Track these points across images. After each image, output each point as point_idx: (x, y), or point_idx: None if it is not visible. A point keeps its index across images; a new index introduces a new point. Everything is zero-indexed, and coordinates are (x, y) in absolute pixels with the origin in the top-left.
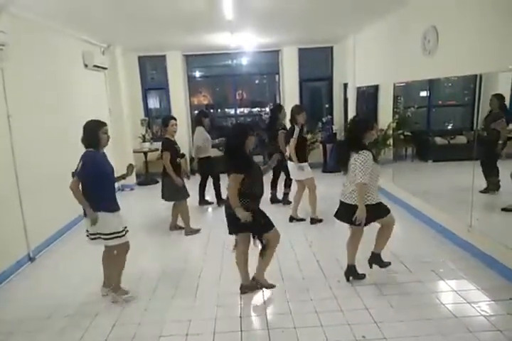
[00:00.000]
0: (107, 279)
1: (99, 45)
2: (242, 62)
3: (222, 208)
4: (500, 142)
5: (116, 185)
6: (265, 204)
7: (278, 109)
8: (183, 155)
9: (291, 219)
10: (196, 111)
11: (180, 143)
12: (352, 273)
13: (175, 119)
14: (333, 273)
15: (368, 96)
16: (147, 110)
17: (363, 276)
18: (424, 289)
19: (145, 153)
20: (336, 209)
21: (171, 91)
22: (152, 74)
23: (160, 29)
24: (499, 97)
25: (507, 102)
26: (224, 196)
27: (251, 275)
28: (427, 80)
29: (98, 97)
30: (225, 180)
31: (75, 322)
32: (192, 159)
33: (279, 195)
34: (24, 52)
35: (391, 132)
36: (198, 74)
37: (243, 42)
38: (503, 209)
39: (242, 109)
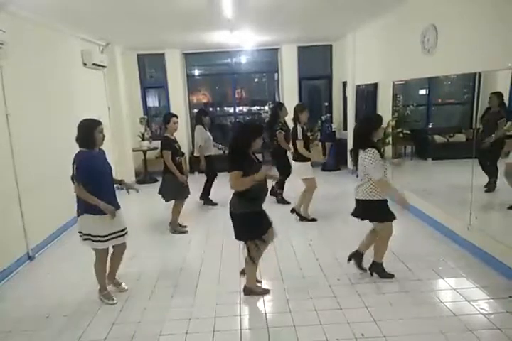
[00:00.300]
0: (113, 272)
1: (98, 44)
2: (242, 61)
3: (226, 210)
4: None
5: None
6: (267, 205)
7: (279, 106)
8: (182, 154)
9: (293, 210)
10: (195, 110)
11: (179, 142)
12: (377, 270)
13: (176, 117)
14: (333, 271)
15: (367, 95)
16: (146, 108)
17: (391, 276)
18: (423, 287)
19: (144, 152)
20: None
21: (170, 89)
22: (151, 72)
23: (159, 27)
24: (499, 95)
25: (506, 100)
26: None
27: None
28: (426, 78)
29: (97, 96)
30: (222, 179)
31: (74, 321)
32: (191, 158)
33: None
34: (23, 50)
35: (390, 130)
36: (197, 72)
37: (242, 41)
38: (510, 208)
39: (241, 108)
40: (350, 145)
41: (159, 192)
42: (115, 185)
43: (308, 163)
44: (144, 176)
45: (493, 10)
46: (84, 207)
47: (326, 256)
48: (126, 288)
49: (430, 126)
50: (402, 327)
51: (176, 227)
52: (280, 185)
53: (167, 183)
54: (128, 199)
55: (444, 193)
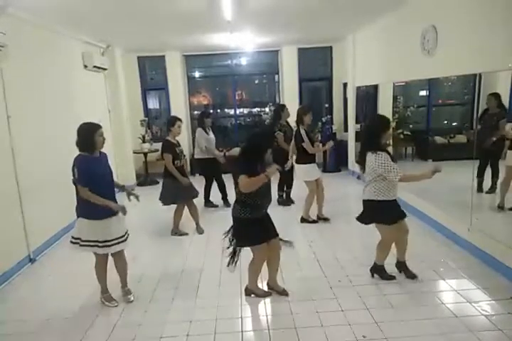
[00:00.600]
0: (122, 279)
1: (98, 46)
2: (242, 62)
3: (227, 211)
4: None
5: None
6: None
7: (281, 108)
8: (184, 156)
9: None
10: (196, 112)
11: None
12: (378, 272)
13: (181, 121)
14: (334, 273)
15: (368, 96)
16: (147, 111)
17: (392, 277)
18: (424, 288)
19: (145, 154)
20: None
21: (170, 91)
22: (152, 74)
23: (159, 29)
24: (496, 96)
25: (506, 101)
26: (229, 196)
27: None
28: (427, 79)
29: (98, 98)
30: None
31: (75, 323)
32: (191, 160)
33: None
34: (23, 53)
35: (391, 131)
36: (197, 74)
37: (242, 42)
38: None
39: (241, 109)
40: (350, 147)
41: (159, 198)
42: (116, 189)
43: (311, 164)
44: (144, 178)
45: (492, 11)
46: (85, 212)
47: (326, 258)
48: (131, 299)
49: (430, 127)
50: (404, 328)
51: (177, 229)
52: (288, 185)
53: (167, 187)
54: (129, 201)
55: (445, 194)
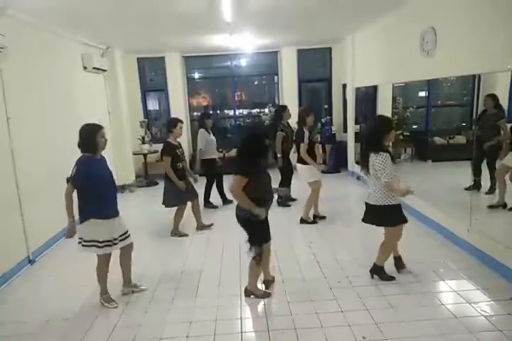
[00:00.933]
0: (126, 276)
1: (98, 47)
2: (241, 64)
3: (226, 212)
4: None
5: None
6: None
7: (282, 109)
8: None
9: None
10: (196, 113)
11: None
12: (378, 273)
13: (182, 122)
14: (333, 273)
15: (367, 97)
16: (146, 112)
17: (391, 278)
18: (424, 289)
19: (144, 155)
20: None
21: (170, 92)
22: (151, 75)
23: (159, 31)
24: (494, 97)
25: (506, 102)
26: (228, 196)
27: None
28: (426, 80)
29: (97, 99)
30: (228, 181)
31: (75, 324)
32: (191, 161)
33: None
34: (23, 54)
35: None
36: (197, 75)
37: (242, 44)
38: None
39: (241, 110)
40: (350, 148)
41: (162, 202)
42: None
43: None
44: (144, 179)
45: (492, 12)
46: (89, 212)
47: (326, 258)
48: (144, 287)
49: (430, 128)
50: (403, 329)
51: (177, 230)
52: (286, 184)
53: (167, 189)
54: (129, 202)
55: (444, 195)
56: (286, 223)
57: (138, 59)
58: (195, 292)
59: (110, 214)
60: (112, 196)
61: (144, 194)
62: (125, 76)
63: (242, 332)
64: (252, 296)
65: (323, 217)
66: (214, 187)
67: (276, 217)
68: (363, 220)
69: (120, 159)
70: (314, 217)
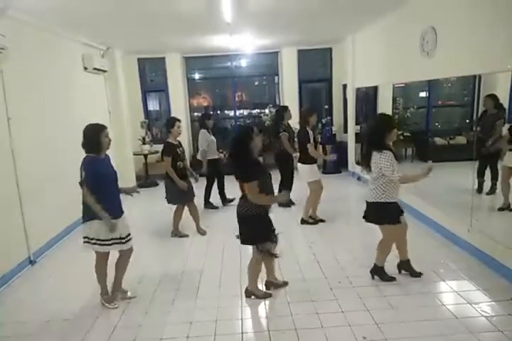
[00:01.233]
0: (118, 280)
1: (98, 48)
2: (242, 64)
3: (226, 213)
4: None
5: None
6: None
7: (283, 109)
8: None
9: (303, 221)
10: (196, 113)
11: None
12: (379, 273)
13: (179, 121)
14: (334, 274)
15: (368, 97)
16: (147, 112)
17: (392, 278)
18: (424, 290)
19: (145, 156)
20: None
21: (170, 93)
22: (152, 76)
23: (159, 31)
24: (493, 97)
25: (506, 102)
26: (228, 195)
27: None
28: (426, 81)
29: (98, 100)
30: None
31: (76, 325)
32: (192, 161)
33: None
34: (24, 55)
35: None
36: (197, 76)
37: (242, 44)
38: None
39: (241, 111)
40: (350, 148)
41: (167, 201)
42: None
43: (314, 165)
44: (144, 180)
45: (492, 12)
46: (94, 214)
47: (326, 259)
48: (132, 295)
49: (430, 129)
50: (404, 329)
51: (177, 231)
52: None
53: (168, 189)
54: (129, 203)
55: (445, 195)
56: (287, 223)
57: (138, 59)
58: (195, 292)
59: (114, 214)
60: (116, 195)
61: (144, 194)
62: (125, 76)
63: (242, 333)
64: (252, 297)
65: (322, 220)
66: (214, 188)
67: (277, 217)
68: (364, 217)
69: (120, 159)
70: (310, 218)
